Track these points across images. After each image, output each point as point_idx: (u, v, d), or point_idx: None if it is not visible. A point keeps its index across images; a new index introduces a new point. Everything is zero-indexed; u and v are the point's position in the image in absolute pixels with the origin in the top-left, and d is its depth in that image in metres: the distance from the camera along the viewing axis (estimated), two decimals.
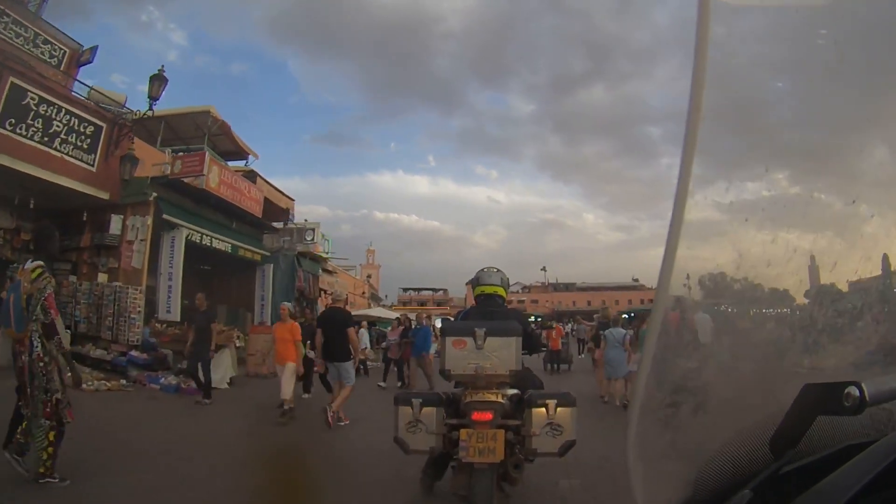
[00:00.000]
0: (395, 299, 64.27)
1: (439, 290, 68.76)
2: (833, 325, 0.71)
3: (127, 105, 10.87)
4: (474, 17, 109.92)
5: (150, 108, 10.50)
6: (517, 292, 66.15)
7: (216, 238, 12.34)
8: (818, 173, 0.70)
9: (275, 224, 16.92)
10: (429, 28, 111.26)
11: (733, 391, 0.73)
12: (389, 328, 13.70)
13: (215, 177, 12.20)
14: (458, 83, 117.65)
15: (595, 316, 11.98)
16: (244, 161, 16.54)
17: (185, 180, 11.26)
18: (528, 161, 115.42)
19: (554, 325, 16.20)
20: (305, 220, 20.34)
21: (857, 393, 0.53)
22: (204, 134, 14.12)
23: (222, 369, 9.46)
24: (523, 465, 3.21)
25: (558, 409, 3.09)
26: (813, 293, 0.70)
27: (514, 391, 3.28)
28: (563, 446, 3.07)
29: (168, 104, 12.56)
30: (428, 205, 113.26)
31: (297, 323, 7.69)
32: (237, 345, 10.96)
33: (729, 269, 0.70)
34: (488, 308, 3.79)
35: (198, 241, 11.54)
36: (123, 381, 8.77)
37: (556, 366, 14.23)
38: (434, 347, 10.31)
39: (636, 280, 65.88)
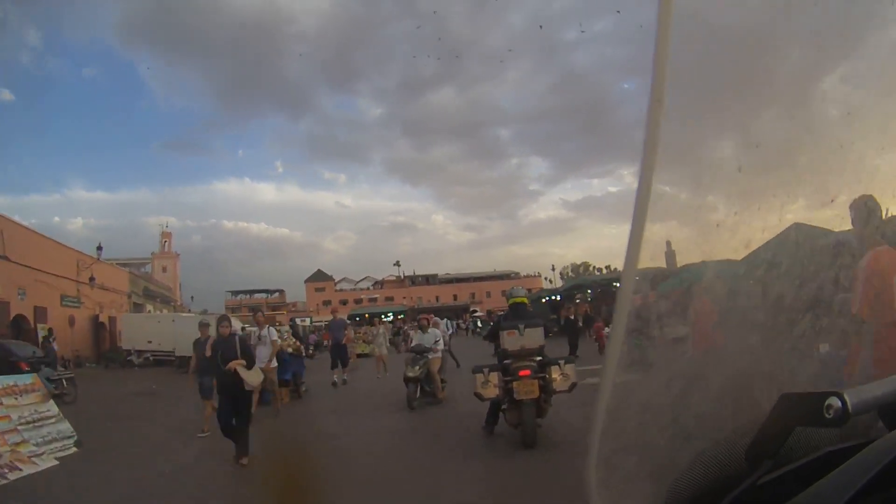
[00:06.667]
0: (220, 305, 53.85)
1: (275, 291, 62.79)
2: (809, 332, 0.68)
3: None
4: (327, 19, 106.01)
5: None
6: (367, 289, 63.17)
7: None
8: (792, 170, 0.68)
9: None
10: (281, 29, 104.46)
11: (705, 402, 0.69)
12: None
13: None
14: (308, 87, 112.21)
15: None
16: None
17: None
18: (376, 165, 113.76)
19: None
20: None
21: (839, 404, 0.51)
22: None
23: None
24: (549, 401, 5.62)
25: (565, 364, 5.59)
26: (788, 299, 0.66)
27: (540, 358, 5.68)
28: (571, 385, 5.49)
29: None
30: (276, 212, 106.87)
31: None
32: None
33: (696, 273, 0.66)
34: (519, 311, 6.18)
35: None
36: None
37: None
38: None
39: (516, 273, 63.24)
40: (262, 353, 8.33)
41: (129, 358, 21.67)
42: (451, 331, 19.36)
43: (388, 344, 15.35)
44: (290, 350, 10.16)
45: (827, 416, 0.52)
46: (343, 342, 12.43)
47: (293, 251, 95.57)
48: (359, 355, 17.68)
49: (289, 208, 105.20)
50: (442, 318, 15.28)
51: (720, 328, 0.76)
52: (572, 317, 16.20)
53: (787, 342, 0.67)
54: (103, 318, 24.86)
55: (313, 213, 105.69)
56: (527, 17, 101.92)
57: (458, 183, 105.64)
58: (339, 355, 12.21)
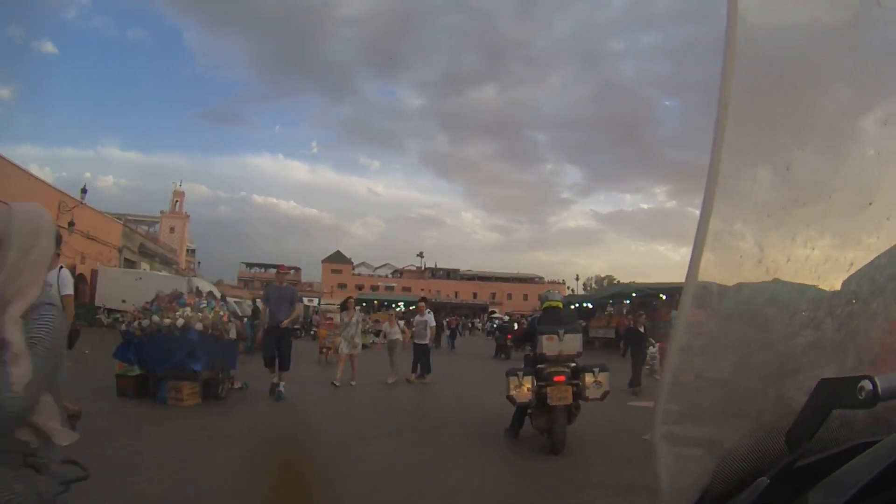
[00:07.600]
0: (234, 277, 54.01)
1: (292, 268, 59.26)
2: (851, 323, 0.74)
3: None
4: (376, 4, 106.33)
5: None
6: (386, 277, 62.02)
7: None
8: (837, 172, 0.73)
9: None
10: (330, 10, 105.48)
11: (754, 385, 0.76)
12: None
13: None
14: (351, 70, 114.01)
15: None
16: None
17: None
18: (411, 155, 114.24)
19: None
20: None
21: (870, 386, 0.55)
22: None
23: None
24: (579, 408, 5.55)
25: (599, 373, 5.48)
26: (829, 291, 0.74)
27: (574, 364, 5.62)
28: (603, 394, 5.49)
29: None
30: (307, 192, 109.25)
31: None
32: None
33: (751, 262, 0.70)
34: (555, 315, 6.02)
35: None
36: None
37: None
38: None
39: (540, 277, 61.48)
40: None
41: (97, 316, 19.41)
42: (432, 323, 11.51)
43: (361, 338, 10.49)
44: (199, 327, 6.62)
45: (859, 397, 0.56)
46: (283, 324, 7.62)
47: (319, 232, 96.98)
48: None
49: (320, 189, 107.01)
50: (427, 312, 10.65)
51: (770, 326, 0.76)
52: (641, 328, 11.06)
53: (829, 334, 0.73)
54: (83, 269, 22.59)
55: (344, 197, 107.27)
56: (573, 23, 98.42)
57: (489, 182, 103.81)
58: (278, 345, 7.59)
